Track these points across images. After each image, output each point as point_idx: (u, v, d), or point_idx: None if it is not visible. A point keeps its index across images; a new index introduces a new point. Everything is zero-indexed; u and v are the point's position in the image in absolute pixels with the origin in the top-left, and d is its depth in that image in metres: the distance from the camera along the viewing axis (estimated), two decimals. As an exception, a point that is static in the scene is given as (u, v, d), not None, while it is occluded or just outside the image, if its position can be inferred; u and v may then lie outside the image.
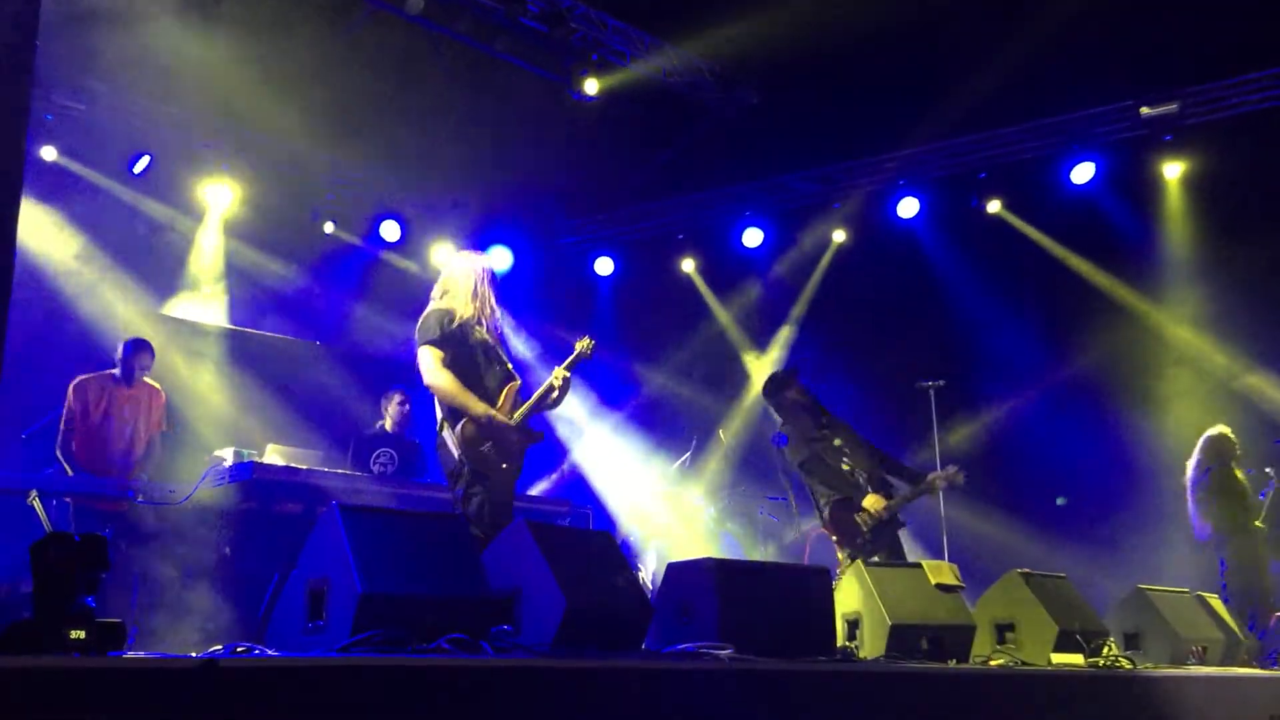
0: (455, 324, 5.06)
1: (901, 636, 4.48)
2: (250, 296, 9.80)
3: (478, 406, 4.92)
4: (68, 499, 6.18)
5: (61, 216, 8.66)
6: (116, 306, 8.58)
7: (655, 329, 11.51)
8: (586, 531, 5.70)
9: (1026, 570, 5.26)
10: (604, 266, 12.02)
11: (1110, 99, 9.59)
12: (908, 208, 10.62)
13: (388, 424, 7.88)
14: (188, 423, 7.74)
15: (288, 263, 10.06)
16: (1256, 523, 7.73)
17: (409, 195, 10.71)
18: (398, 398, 7.94)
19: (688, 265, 11.78)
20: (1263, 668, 6.04)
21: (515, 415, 5.04)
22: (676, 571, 4.25)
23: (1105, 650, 5.06)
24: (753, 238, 11.29)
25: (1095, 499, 9.23)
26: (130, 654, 2.55)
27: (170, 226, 9.38)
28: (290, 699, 2.46)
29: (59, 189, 8.74)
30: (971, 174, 10.37)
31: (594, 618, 3.59)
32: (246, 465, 5.98)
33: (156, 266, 9.19)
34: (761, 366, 11.34)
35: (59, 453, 7.04)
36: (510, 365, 5.23)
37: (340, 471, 6.52)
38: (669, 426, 10.98)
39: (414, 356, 5.13)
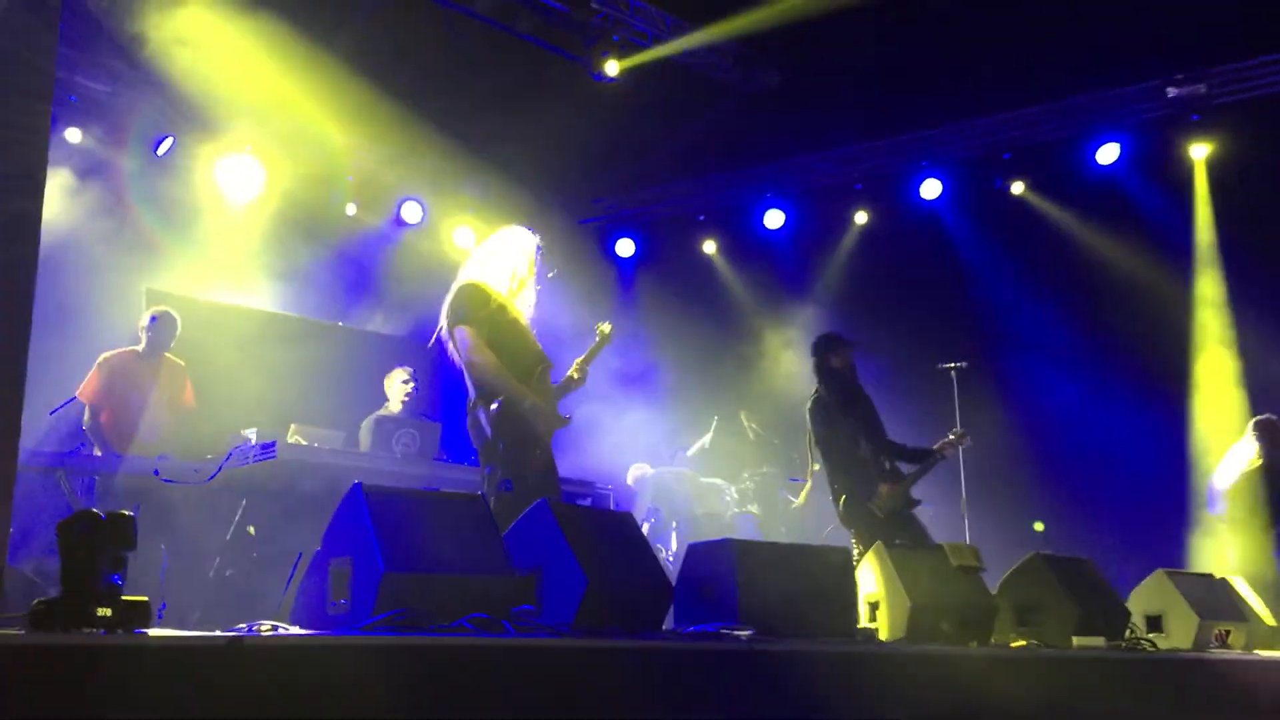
0: (493, 301, 4.91)
1: (922, 618, 4.47)
2: (273, 278, 9.84)
3: (518, 389, 4.79)
4: (94, 477, 6.23)
5: (86, 197, 8.72)
6: (140, 286, 8.63)
7: (676, 310, 11.50)
8: (608, 512, 5.71)
9: (1048, 552, 5.24)
10: (625, 248, 12.01)
11: (1136, 79, 9.49)
12: (930, 189, 10.56)
13: (394, 405, 7.85)
14: (212, 403, 7.78)
15: (310, 244, 10.10)
16: None
17: (430, 176, 10.72)
18: (403, 375, 7.89)
19: (709, 246, 11.76)
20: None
21: (547, 398, 4.94)
22: (697, 552, 4.25)
23: (1127, 633, 5.05)
24: (774, 219, 11.26)
25: (1119, 481, 9.19)
26: (156, 632, 2.57)
27: (193, 208, 9.43)
28: (314, 677, 2.48)
29: (83, 170, 8.79)
30: (995, 155, 10.30)
31: (615, 598, 3.60)
32: (270, 445, 6.01)
33: (180, 248, 9.24)
34: (783, 348, 11.32)
35: (86, 430, 7.12)
36: (539, 346, 5.10)
37: (362, 451, 6.55)
38: (690, 408, 10.98)
39: (434, 336, 5.07)
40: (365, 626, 3.09)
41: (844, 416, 6.31)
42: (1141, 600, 5.63)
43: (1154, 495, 8.84)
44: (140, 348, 7.35)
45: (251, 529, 6.10)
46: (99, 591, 2.51)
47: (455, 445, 7.64)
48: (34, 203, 3.00)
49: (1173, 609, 5.51)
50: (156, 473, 6.14)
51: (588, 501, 7.12)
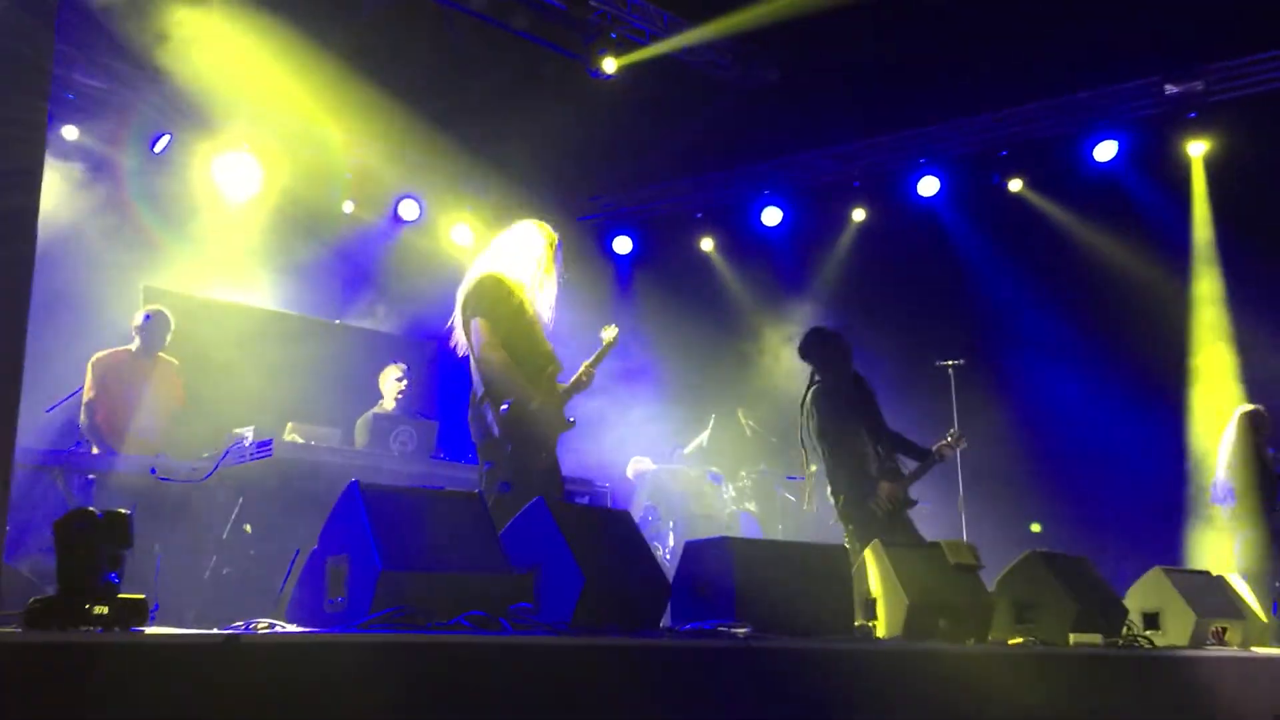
0: (513, 297, 4.86)
1: (919, 616, 4.47)
2: (270, 275, 9.83)
3: (527, 390, 4.74)
4: (91, 475, 6.23)
5: (83, 194, 8.71)
6: (138, 283, 8.63)
7: (673, 308, 11.50)
8: (605, 510, 5.71)
9: (1046, 550, 5.24)
10: (622, 245, 12.01)
11: (1133, 75, 9.48)
12: (928, 186, 10.55)
13: (388, 402, 7.83)
14: (208, 401, 7.78)
15: (307, 241, 10.09)
16: None
17: (428, 174, 10.72)
18: (396, 373, 7.88)
19: (706, 244, 11.76)
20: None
21: (555, 400, 4.89)
22: (694, 550, 4.25)
23: (1124, 630, 5.05)
24: (772, 216, 11.26)
25: (1116, 477, 9.19)
26: (152, 630, 2.57)
27: (190, 205, 9.42)
28: (311, 675, 2.48)
29: (81, 167, 8.78)
30: (993, 152, 10.30)
31: (612, 595, 3.60)
32: (267, 443, 6.01)
33: (176, 244, 9.23)
34: (780, 346, 11.32)
35: (83, 429, 7.11)
36: (550, 347, 5.04)
37: (359, 449, 6.55)
38: (687, 406, 10.98)
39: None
40: (362, 624, 3.08)
41: (848, 408, 6.28)
42: (1139, 597, 5.64)
43: (1152, 492, 8.84)
44: (134, 346, 7.34)
45: (248, 527, 6.10)
46: (96, 590, 2.51)
47: (452, 443, 7.65)
48: (31, 199, 3.00)
49: (1170, 606, 5.52)
50: (153, 471, 6.14)
51: (585, 499, 7.12)
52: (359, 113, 9.28)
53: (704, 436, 10.20)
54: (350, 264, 10.60)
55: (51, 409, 7.22)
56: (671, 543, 9.19)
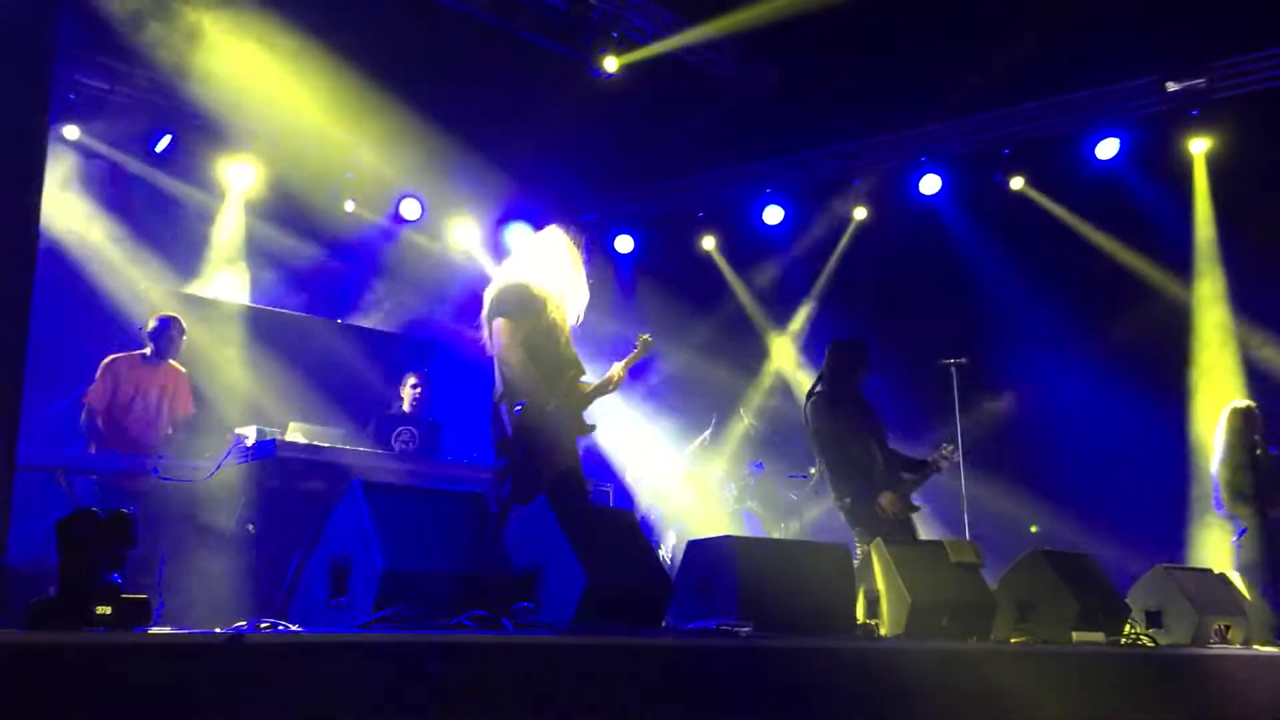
0: (536, 300, 4.89)
1: (922, 615, 4.47)
2: (272, 275, 9.84)
3: (543, 393, 4.76)
4: (93, 476, 6.23)
5: (84, 195, 8.71)
6: (139, 284, 8.64)
7: (675, 307, 11.49)
8: (607, 509, 5.71)
9: (1048, 548, 5.24)
10: (624, 244, 12.00)
11: (1135, 73, 9.46)
12: (930, 184, 10.54)
13: (405, 405, 7.97)
14: (210, 401, 7.79)
15: (309, 241, 10.10)
16: None
17: (429, 173, 10.72)
18: (412, 380, 8.02)
19: (708, 243, 11.76)
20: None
21: (575, 404, 4.93)
22: (697, 549, 4.25)
23: (1127, 629, 5.05)
24: (773, 215, 11.25)
25: (1119, 476, 9.18)
26: (155, 630, 2.57)
27: (191, 205, 9.43)
28: (313, 674, 2.48)
29: (82, 167, 8.79)
30: (994, 150, 10.28)
31: (615, 595, 3.60)
32: (269, 443, 6.01)
33: (178, 245, 9.24)
34: (782, 344, 11.32)
35: (85, 430, 7.11)
36: (574, 351, 5.09)
37: (362, 449, 6.56)
38: (689, 405, 10.98)
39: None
40: (364, 624, 3.09)
41: (847, 415, 6.29)
42: (1141, 596, 5.64)
43: (1154, 490, 8.82)
44: (146, 351, 7.34)
45: (251, 527, 6.10)
46: (98, 590, 2.52)
47: (455, 443, 7.67)
48: (33, 201, 3.00)
49: (1172, 604, 5.52)
50: (156, 471, 6.15)
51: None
52: (360, 112, 9.27)
53: (706, 435, 10.20)
54: (352, 263, 10.61)
55: (54, 410, 7.23)
56: (673, 542, 9.19)
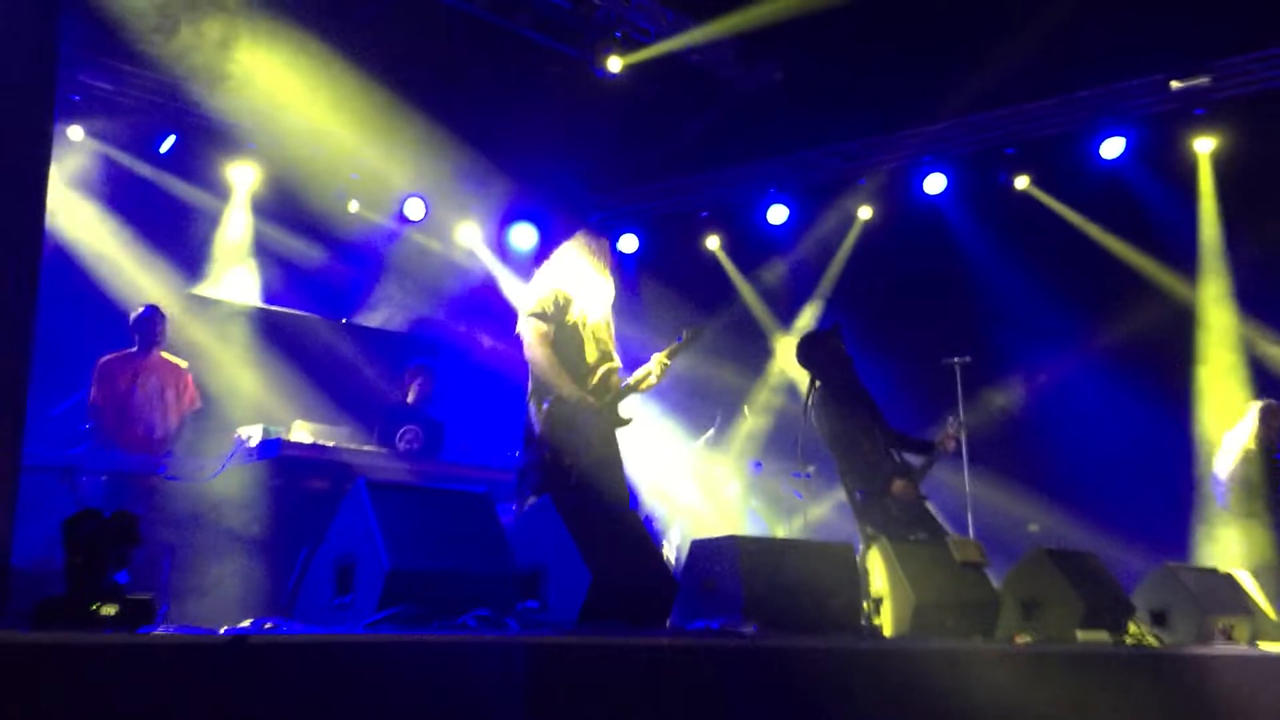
0: (562, 299, 5.10)
1: (926, 614, 4.46)
2: (276, 275, 9.86)
3: (567, 388, 4.94)
4: (99, 476, 6.24)
5: (88, 196, 8.73)
6: (143, 285, 8.65)
7: (679, 306, 11.48)
8: (612, 507, 5.70)
9: (1053, 547, 5.23)
10: (628, 244, 12.00)
11: (1140, 72, 9.44)
12: (934, 184, 10.54)
13: (409, 397, 7.96)
14: (215, 400, 7.81)
15: (313, 241, 10.11)
16: None
17: (433, 174, 10.72)
18: (418, 378, 8.01)
19: (712, 242, 11.75)
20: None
21: (607, 399, 5.07)
22: (701, 548, 4.25)
23: (1132, 628, 5.04)
24: (778, 214, 11.25)
25: (1124, 475, 9.16)
26: (160, 630, 2.57)
27: (196, 206, 9.44)
28: (317, 674, 2.48)
29: (86, 168, 8.80)
30: (999, 149, 10.27)
31: (619, 594, 3.60)
32: (274, 442, 6.02)
33: (183, 245, 9.26)
34: (786, 344, 11.31)
35: (94, 434, 7.12)
36: (613, 346, 5.28)
37: (366, 449, 6.56)
38: (693, 404, 10.97)
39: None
40: (369, 624, 3.09)
41: (850, 410, 6.26)
42: (1146, 595, 5.62)
43: (1159, 489, 8.81)
44: (134, 348, 7.37)
45: (255, 526, 6.10)
46: (103, 590, 2.52)
47: (459, 443, 7.67)
48: (37, 201, 3.00)
49: (1177, 603, 5.51)
50: (161, 471, 6.16)
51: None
52: (364, 113, 9.28)
53: (710, 434, 10.19)
54: (356, 264, 10.62)
55: (56, 411, 7.24)
56: (678, 541, 9.19)
